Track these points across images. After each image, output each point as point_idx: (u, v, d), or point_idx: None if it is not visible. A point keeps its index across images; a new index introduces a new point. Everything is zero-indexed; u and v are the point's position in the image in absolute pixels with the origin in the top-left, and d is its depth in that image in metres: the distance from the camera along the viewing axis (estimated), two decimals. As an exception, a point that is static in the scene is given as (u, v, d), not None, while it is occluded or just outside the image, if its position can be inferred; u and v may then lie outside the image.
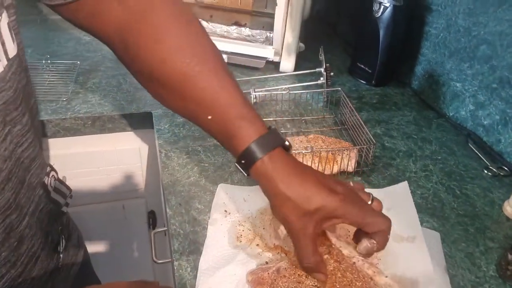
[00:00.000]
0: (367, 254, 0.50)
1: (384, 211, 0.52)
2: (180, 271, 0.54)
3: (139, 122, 0.87)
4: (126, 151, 0.92)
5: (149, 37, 0.48)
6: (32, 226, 0.49)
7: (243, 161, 0.47)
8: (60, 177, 0.58)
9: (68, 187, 0.59)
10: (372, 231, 0.47)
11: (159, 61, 0.48)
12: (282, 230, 0.58)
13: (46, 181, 0.52)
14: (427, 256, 0.54)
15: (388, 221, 0.47)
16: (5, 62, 0.41)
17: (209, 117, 0.48)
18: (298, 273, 0.49)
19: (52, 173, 0.55)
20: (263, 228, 0.59)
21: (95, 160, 0.93)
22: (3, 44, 0.41)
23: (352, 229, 0.53)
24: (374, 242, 0.47)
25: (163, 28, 0.49)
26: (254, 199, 0.64)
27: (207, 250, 0.56)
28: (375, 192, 0.66)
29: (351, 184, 0.50)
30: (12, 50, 0.43)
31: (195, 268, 0.54)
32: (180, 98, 0.50)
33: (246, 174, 0.48)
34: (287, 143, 0.48)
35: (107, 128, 0.87)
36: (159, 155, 0.74)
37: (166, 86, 0.50)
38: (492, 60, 0.80)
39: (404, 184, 0.67)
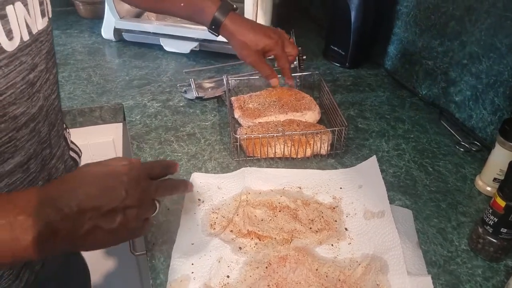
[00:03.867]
0: (274, 84, 0.82)
1: (355, 189, 0.64)
2: (153, 261, 0.53)
3: (110, 114, 0.86)
4: (99, 144, 0.90)
5: None
6: (58, 169, 0.56)
7: (213, 27, 0.75)
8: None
9: (79, 148, 0.68)
10: (278, 65, 0.80)
11: None
12: (256, 215, 0.58)
13: (66, 135, 0.62)
14: (394, 230, 0.55)
15: (288, 63, 0.80)
16: (47, 19, 0.50)
17: (182, 4, 0.76)
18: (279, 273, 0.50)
19: (68, 130, 0.66)
20: (237, 215, 0.59)
21: (89, 153, 0.91)
22: (47, 4, 0.50)
23: (314, 219, 0.58)
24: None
25: None
26: (227, 186, 0.64)
27: (180, 239, 0.55)
28: (346, 171, 0.67)
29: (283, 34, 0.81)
30: (50, 12, 0.51)
31: (168, 257, 0.53)
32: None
33: (216, 35, 0.78)
34: (234, 6, 0.76)
35: (78, 122, 0.85)
36: (131, 147, 0.73)
37: None
38: (462, 36, 0.80)
39: (373, 159, 0.68)
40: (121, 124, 0.89)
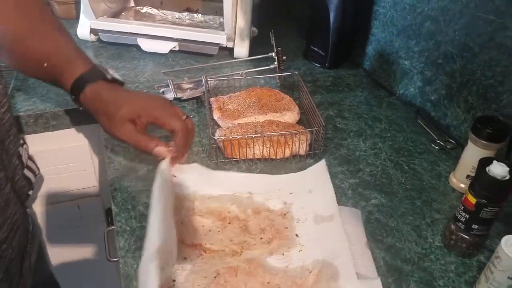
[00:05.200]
0: (161, 155, 0.58)
1: (305, 193, 0.62)
2: (126, 268, 0.52)
3: (85, 117, 0.84)
4: (74, 148, 0.89)
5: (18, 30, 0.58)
6: (13, 193, 0.53)
7: (73, 96, 0.59)
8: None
9: (36, 166, 0.63)
10: (169, 130, 0.58)
11: None
12: (204, 225, 0.56)
13: (21, 152, 0.58)
14: (343, 234, 0.53)
15: (181, 121, 0.57)
16: None
17: (45, 65, 0.58)
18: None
19: (25, 146, 0.61)
20: (181, 223, 0.56)
21: (41, 160, 0.89)
22: None
23: (265, 228, 0.56)
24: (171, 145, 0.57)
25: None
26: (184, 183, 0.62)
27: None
28: (296, 175, 0.66)
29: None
30: None
31: (143, 262, 0.52)
32: (18, 58, 0.60)
33: (79, 108, 0.61)
34: (111, 76, 0.60)
35: (51, 126, 0.83)
36: (104, 150, 0.72)
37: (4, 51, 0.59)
38: (437, 36, 0.81)
39: (322, 163, 0.65)
40: (97, 126, 0.87)
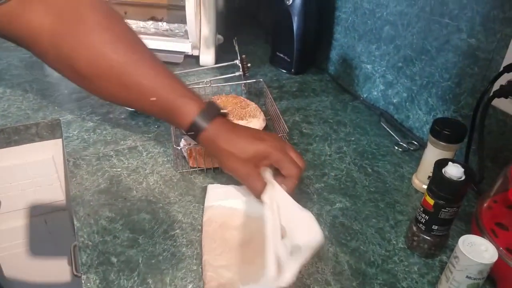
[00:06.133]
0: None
1: None
2: (88, 284, 0.51)
3: (48, 130, 0.82)
4: (38, 162, 0.86)
5: (83, 46, 0.54)
6: None
7: (191, 133, 0.58)
8: None
9: None
10: (285, 174, 0.57)
11: (96, 55, 0.54)
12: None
13: None
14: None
15: (299, 169, 0.57)
16: None
17: (153, 99, 0.57)
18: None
19: None
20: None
21: (5, 176, 0.86)
22: None
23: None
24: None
25: (95, 36, 0.54)
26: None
27: None
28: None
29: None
30: None
31: (104, 280, 0.51)
32: (121, 87, 0.56)
33: (196, 142, 0.60)
34: (223, 111, 0.59)
35: (13, 141, 0.81)
36: (66, 164, 0.70)
37: (105, 78, 0.55)
38: (396, 40, 0.83)
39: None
40: (60, 140, 0.85)
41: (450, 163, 0.51)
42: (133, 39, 0.58)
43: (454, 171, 0.50)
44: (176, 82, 0.59)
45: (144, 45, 0.59)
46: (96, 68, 0.55)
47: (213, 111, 0.58)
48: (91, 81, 0.56)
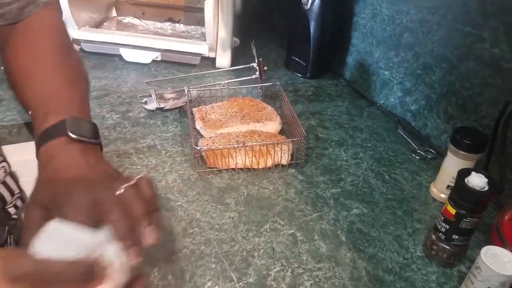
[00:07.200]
0: None
1: None
2: None
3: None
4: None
5: (25, 70, 0.52)
6: None
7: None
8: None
9: (19, 187, 0.59)
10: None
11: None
12: None
13: None
14: None
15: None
16: None
17: (29, 112, 0.49)
18: None
19: (3, 164, 0.56)
20: None
21: (28, 169, 0.87)
22: None
23: None
24: None
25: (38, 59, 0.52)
26: None
27: None
28: None
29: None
30: None
31: None
32: (21, 95, 0.52)
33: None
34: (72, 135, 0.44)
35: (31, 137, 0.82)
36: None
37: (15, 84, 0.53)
38: (415, 47, 0.83)
39: None
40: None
41: (473, 172, 0.51)
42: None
43: (477, 181, 0.50)
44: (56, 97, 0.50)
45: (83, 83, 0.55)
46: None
47: (61, 128, 0.45)
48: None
